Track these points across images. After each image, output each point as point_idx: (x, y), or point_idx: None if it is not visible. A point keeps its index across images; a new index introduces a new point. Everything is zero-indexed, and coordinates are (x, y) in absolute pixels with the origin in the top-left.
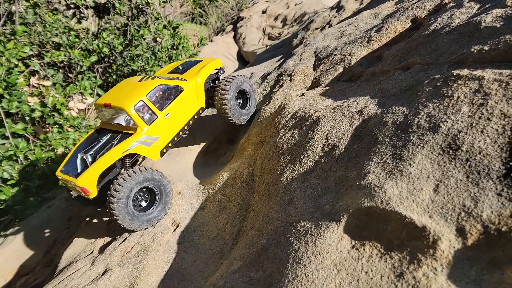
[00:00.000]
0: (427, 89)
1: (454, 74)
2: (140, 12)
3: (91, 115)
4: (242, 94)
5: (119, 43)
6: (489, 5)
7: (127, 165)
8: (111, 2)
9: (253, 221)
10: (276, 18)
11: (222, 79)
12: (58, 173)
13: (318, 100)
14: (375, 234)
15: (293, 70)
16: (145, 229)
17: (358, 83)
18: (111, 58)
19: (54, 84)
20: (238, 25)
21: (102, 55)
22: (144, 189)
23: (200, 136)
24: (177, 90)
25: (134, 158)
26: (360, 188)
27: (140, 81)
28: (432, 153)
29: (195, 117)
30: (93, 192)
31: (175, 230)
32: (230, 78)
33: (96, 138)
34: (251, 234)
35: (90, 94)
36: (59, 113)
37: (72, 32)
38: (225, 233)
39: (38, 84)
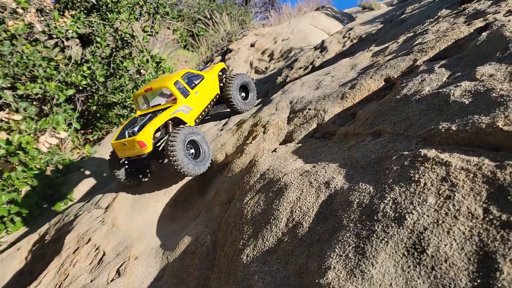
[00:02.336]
0: (394, 168)
1: (422, 155)
2: (125, 44)
3: (68, 146)
4: (245, 89)
5: (101, 75)
6: (459, 74)
7: (170, 130)
8: (95, 34)
9: None
10: (263, 52)
11: (227, 77)
12: (113, 141)
13: (289, 159)
14: None
15: (268, 121)
16: (198, 173)
17: (330, 144)
18: (93, 87)
19: (25, 118)
20: (226, 57)
21: (80, 87)
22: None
23: (169, 185)
24: (200, 77)
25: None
26: None
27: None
28: (396, 252)
29: (214, 99)
30: (149, 146)
31: None
32: (232, 76)
33: (138, 119)
34: None
35: (64, 128)
36: (25, 152)
37: (51, 63)
38: None
39: (8, 118)
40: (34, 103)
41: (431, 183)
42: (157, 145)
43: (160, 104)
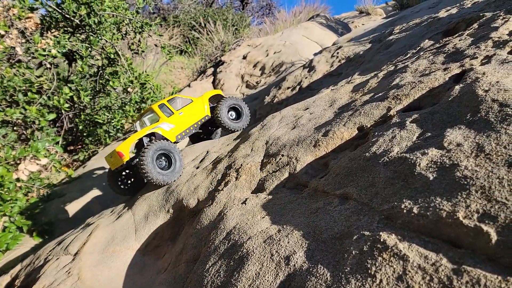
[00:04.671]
0: (353, 252)
1: (381, 241)
2: (111, 62)
3: (51, 170)
4: (236, 110)
5: (85, 95)
6: (429, 134)
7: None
8: (79, 53)
9: None
10: (255, 66)
11: (220, 101)
12: (106, 157)
13: (257, 215)
14: None
15: (241, 165)
16: (166, 184)
17: (299, 200)
18: (81, 105)
19: (3, 146)
20: (218, 70)
21: (62, 111)
22: (163, 155)
23: (141, 229)
24: (189, 101)
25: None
26: None
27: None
28: None
29: (202, 120)
30: (126, 156)
31: None
32: (222, 99)
33: None
34: None
35: (45, 155)
36: (0, 185)
37: (34, 86)
38: None
39: None
40: (15, 128)
41: (387, 281)
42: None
43: (150, 124)
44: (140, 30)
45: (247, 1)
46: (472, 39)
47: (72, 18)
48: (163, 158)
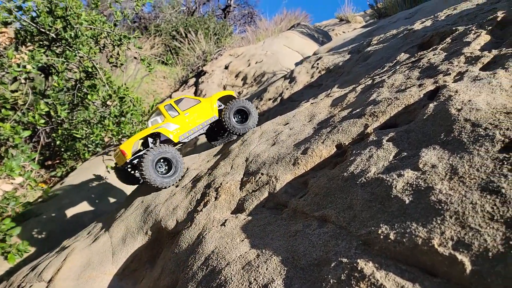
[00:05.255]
0: (331, 281)
1: (359, 269)
2: (89, 75)
3: (27, 187)
4: (243, 112)
5: (63, 109)
6: (405, 154)
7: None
8: (55, 67)
9: None
10: (237, 76)
11: (228, 102)
12: (114, 154)
13: (236, 238)
14: None
15: (221, 184)
16: (167, 187)
17: (279, 221)
18: (58, 119)
19: None
20: (200, 80)
21: (37, 127)
22: (164, 161)
23: (119, 252)
24: (196, 101)
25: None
26: None
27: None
28: None
29: (209, 121)
30: (128, 154)
31: None
32: (230, 101)
33: None
34: None
35: (20, 174)
36: None
37: (9, 101)
38: None
39: None
40: None
41: None
42: (133, 156)
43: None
44: (118, 43)
45: (229, 9)
46: (445, 54)
47: (48, 32)
48: (162, 162)
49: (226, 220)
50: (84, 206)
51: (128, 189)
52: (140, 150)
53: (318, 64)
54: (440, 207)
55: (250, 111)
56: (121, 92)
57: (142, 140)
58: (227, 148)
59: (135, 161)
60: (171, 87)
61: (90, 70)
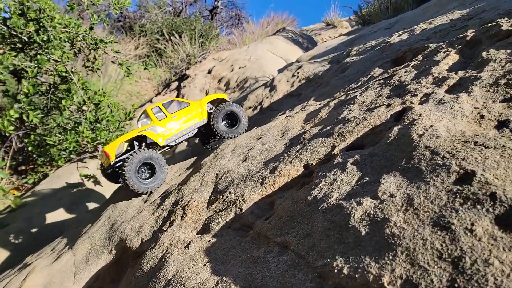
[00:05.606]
0: None
1: None
2: (64, 80)
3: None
4: (232, 117)
5: (35, 115)
6: (367, 179)
7: (136, 148)
8: (26, 70)
9: None
10: (220, 81)
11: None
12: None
13: (199, 263)
14: None
15: (188, 202)
16: (150, 191)
17: (242, 244)
18: (31, 124)
19: None
20: (182, 84)
21: (7, 134)
22: (147, 166)
23: (81, 271)
24: (185, 104)
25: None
26: None
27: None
28: None
29: (197, 124)
30: (112, 156)
31: None
32: (220, 105)
33: None
34: None
35: None
36: None
37: None
38: None
39: None
40: None
41: None
42: (117, 159)
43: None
44: (94, 47)
45: (216, 11)
46: (415, 72)
47: (20, 35)
48: (145, 166)
49: (190, 241)
50: (55, 216)
51: (108, 193)
52: (127, 151)
53: (298, 73)
54: (393, 242)
55: (240, 116)
56: (96, 98)
57: (127, 142)
58: (200, 161)
59: (118, 164)
60: (155, 88)
61: (64, 74)
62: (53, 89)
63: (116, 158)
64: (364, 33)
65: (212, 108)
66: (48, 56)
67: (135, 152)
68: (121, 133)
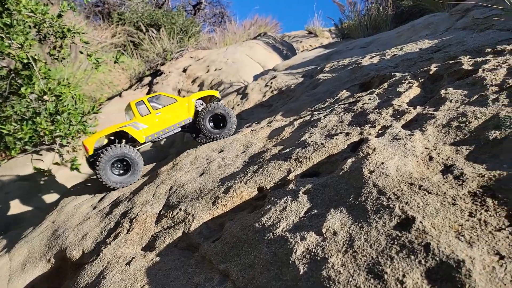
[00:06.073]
0: None
1: None
2: (26, 66)
3: None
4: (221, 117)
5: None
6: (315, 212)
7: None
8: None
9: None
10: (194, 81)
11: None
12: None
13: (137, 283)
14: None
15: (137, 215)
16: (120, 187)
17: (185, 267)
18: None
19: None
20: (155, 80)
21: None
22: (123, 162)
23: (16, 279)
24: (172, 100)
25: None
26: None
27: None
28: None
29: (182, 122)
30: (90, 149)
31: None
32: (208, 105)
33: None
34: None
35: None
36: None
37: None
38: None
39: None
40: None
41: None
42: (95, 153)
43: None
44: (61, 35)
45: (200, 6)
46: (379, 101)
47: None
48: (120, 162)
49: (133, 258)
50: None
51: (62, 188)
52: (108, 145)
53: (272, 83)
54: (327, 286)
55: (229, 116)
56: (58, 90)
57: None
58: (158, 169)
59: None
60: (128, 80)
61: (25, 61)
62: (13, 75)
63: (96, 151)
64: (340, 49)
65: (203, 105)
66: (9, 42)
67: (110, 147)
68: (83, 127)
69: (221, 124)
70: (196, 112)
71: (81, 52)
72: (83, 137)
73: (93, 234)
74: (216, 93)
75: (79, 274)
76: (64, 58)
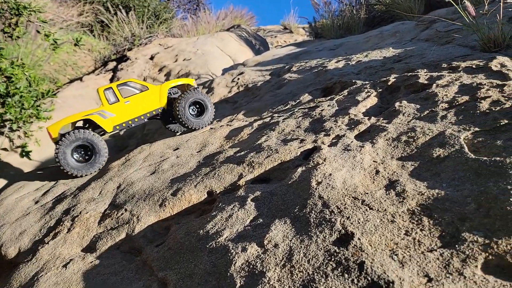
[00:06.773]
0: None
1: None
2: None
3: None
4: (199, 105)
5: None
6: (260, 221)
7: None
8: None
9: None
10: (161, 70)
11: (182, 93)
12: None
13: None
14: None
15: (80, 213)
16: (83, 175)
17: (125, 273)
18: None
19: None
20: (120, 66)
21: None
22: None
23: None
24: (143, 88)
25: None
26: None
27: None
28: None
29: (154, 112)
30: (54, 135)
31: None
32: (185, 92)
33: None
34: None
35: None
36: None
37: None
38: None
39: None
40: None
41: None
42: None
43: None
44: (17, 12)
45: None
46: (337, 108)
47: None
48: (83, 148)
49: (71, 260)
50: None
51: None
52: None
53: (239, 79)
54: None
55: (207, 105)
56: (9, 71)
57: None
58: (108, 164)
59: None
60: (94, 62)
61: None
62: None
63: (59, 138)
64: (310, 49)
65: (177, 93)
66: None
67: (73, 132)
68: (36, 112)
69: (198, 113)
70: (170, 101)
71: (38, 32)
72: (36, 123)
73: (31, 231)
74: (192, 82)
75: (13, 275)
76: (19, 37)
